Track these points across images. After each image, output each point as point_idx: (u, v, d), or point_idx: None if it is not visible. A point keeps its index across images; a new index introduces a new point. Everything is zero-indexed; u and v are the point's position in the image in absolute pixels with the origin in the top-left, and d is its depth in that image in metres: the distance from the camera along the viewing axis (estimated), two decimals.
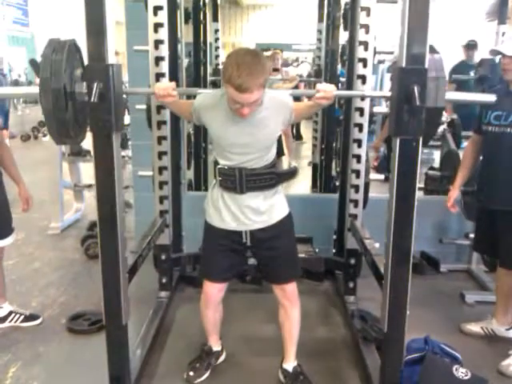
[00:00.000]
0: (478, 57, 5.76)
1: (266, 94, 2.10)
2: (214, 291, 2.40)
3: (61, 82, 1.85)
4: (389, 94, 1.93)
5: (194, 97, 2.32)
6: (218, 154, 2.27)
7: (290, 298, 2.38)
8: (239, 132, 2.15)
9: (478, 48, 5.84)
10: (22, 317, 2.94)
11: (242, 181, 2.20)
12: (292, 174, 2.36)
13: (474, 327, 2.90)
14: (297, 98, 7.45)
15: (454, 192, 2.98)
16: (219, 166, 2.25)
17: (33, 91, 1.95)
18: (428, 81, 1.82)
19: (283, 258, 2.36)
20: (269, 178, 2.24)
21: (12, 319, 2.92)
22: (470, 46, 5.77)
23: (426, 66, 1.81)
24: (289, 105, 2.20)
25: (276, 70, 6.47)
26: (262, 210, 2.26)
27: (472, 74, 5.44)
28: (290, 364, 2.48)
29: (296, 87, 6.02)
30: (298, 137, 8.52)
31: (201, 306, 2.47)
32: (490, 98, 2.19)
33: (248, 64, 1.93)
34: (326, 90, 2.06)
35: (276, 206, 2.30)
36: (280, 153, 4.48)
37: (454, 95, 1.91)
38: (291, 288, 2.38)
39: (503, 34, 4.30)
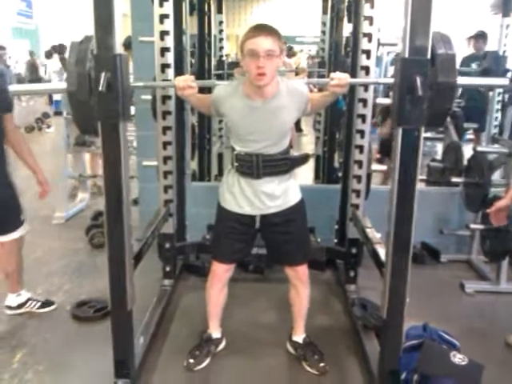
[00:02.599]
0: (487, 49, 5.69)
1: (282, 81, 2.24)
2: (221, 270, 2.48)
3: (85, 67, 1.89)
4: None
5: (209, 91, 2.38)
6: (234, 142, 2.35)
7: (301, 278, 2.51)
8: (256, 119, 2.23)
9: (488, 39, 5.63)
10: (39, 303, 3.00)
11: (258, 166, 2.29)
12: (304, 159, 2.46)
13: None
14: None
15: (503, 201, 2.59)
16: (236, 152, 2.33)
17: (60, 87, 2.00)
18: (437, 57, 1.83)
19: (296, 242, 2.45)
20: (283, 163, 2.34)
21: (29, 306, 2.97)
22: (479, 37, 5.60)
23: (429, 56, 1.83)
24: (304, 93, 2.28)
25: None
26: (276, 195, 2.35)
27: (474, 65, 5.35)
28: (299, 336, 2.62)
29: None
30: (298, 129, 8.55)
31: (207, 285, 2.54)
32: (503, 81, 2.17)
33: (262, 24, 2.15)
34: (341, 78, 2.12)
35: (290, 191, 2.39)
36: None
37: (464, 80, 1.92)
38: (303, 269, 2.50)
39: (507, 26, 4.30)
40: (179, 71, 3.09)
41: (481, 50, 5.61)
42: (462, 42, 5.98)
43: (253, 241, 2.52)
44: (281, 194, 2.36)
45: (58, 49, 10.61)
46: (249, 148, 2.30)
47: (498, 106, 4.23)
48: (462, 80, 1.90)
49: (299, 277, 2.50)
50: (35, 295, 3.07)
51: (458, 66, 5.47)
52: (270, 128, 2.26)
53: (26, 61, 12.08)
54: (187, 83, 2.17)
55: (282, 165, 2.34)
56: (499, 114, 4.27)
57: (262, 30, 2.12)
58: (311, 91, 2.47)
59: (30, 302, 2.98)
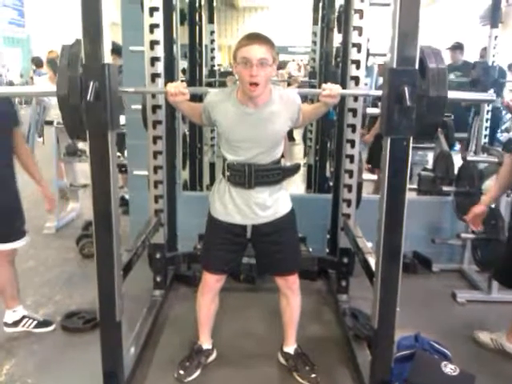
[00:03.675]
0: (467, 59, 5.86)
1: (275, 89, 2.25)
2: (212, 280, 2.47)
3: (77, 71, 1.88)
4: None
5: (201, 99, 2.38)
6: (226, 150, 2.33)
7: (291, 287, 2.49)
8: (248, 126, 2.23)
9: (464, 49, 5.93)
10: (35, 322, 2.90)
11: (250, 176, 2.28)
12: (296, 169, 2.46)
13: (484, 337, 2.82)
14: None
15: (480, 207, 2.77)
16: (228, 162, 2.31)
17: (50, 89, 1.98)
18: (429, 72, 1.85)
19: (287, 251, 2.44)
20: (275, 173, 2.33)
21: (25, 324, 2.87)
22: (456, 48, 5.86)
23: (417, 67, 1.84)
24: (297, 102, 2.29)
25: None
26: (267, 205, 2.35)
27: (452, 75, 5.51)
28: (291, 347, 2.60)
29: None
30: (290, 138, 8.58)
31: (198, 294, 2.52)
32: (490, 96, 2.21)
33: (256, 33, 2.16)
34: (332, 88, 2.15)
35: (280, 201, 2.39)
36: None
37: (454, 94, 1.95)
38: (293, 278, 2.48)
39: (495, 37, 4.35)
40: (169, 81, 3.08)
41: (458, 61, 5.84)
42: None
43: (243, 251, 2.51)
44: (272, 204, 2.35)
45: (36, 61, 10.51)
46: (240, 157, 2.28)
47: (488, 116, 4.24)
48: (451, 94, 1.91)
49: (289, 285, 2.48)
50: (33, 312, 2.99)
51: None
52: (262, 136, 2.25)
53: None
54: (179, 89, 2.16)
55: (273, 175, 2.32)
56: (488, 123, 4.29)
57: (255, 38, 2.12)
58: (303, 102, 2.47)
59: (25, 319, 2.88)
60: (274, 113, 2.23)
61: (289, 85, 6.95)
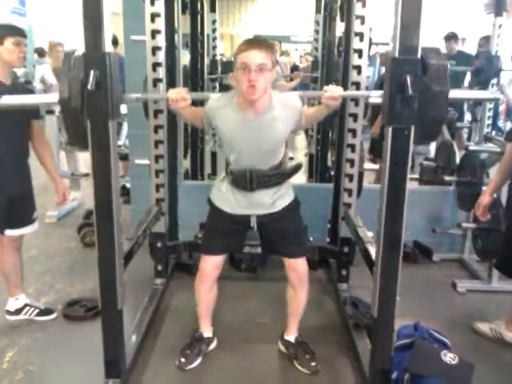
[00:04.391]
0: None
1: (275, 94, 2.24)
2: (209, 268, 2.46)
3: (78, 72, 1.90)
4: None
5: (202, 104, 2.39)
6: (228, 155, 2.36)
7: (302, 279, 2.48)
8: (250, 133, 2.24)
9: (458, 39, 5.96)
10: (37, 310, 2.92)
11: (252, 181, 2.33)
12: (297, 170, 2.48)
13: (483, 326, 2.84)
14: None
15: (485, 198, 2.78)
16: (231, 168, 2.36)
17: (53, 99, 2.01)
18: (430, 68, 1.86)
19: (293, 234, 2.48)
20: (277, 177, 2.37)
21: (27, 312, 2.89)
22: (450, 38, 5.88)
23: (419, 56, 1.83)
24: (298, 107, 2.29)
25: None
26: (270, 202, 2.39)
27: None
28: (292, 335, 2.61)
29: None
30: None
31: (195, 283, 2.53)
32: (492, 94, 2.21)
33: (255, 38, 2.22)
34: (334, 90, 2.13)
35: (283, 195, 2.43)
36: None
37: (456, 93, 1.96)
38: (303, 268, 2.47)
39: (500, 26, 4.31)
40: (171, 70, 3.08)
41: (453, 50, 5.86)
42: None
43: (244, 238, 2.55)
44: (274, 200, 2.40)
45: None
46: (242, 162, 2.31)
47: (491, 106, 4.23)
48: (453, 93, 1.92)
49: (300, 278, 2.47)
50: (35, 301, 3.01)
51: None
52: (263, 142, 2.27)
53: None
54: (181, 95, 2.16)
55: (275, 179, 2.37)
56: (491, 113, 4.27)
57: (254, 43, 2.13)
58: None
59: (27, 308, 2.90)
60: (275, 119, 2.24)
61: (291, 79, 6.90)
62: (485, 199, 2.77)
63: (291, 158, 5.45)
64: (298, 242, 2.50)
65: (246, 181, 2.33)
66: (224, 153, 2.41)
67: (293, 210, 2.48)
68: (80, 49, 1.89)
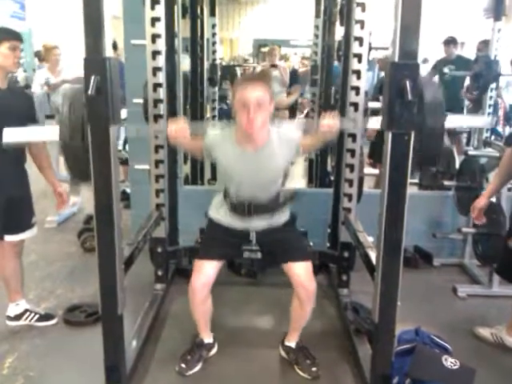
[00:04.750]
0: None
1: (273, 128, 2.30)
2: (199, 284, 2.41)
3: (79, 114, 1.97)
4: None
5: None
6: (227, 184, 2.42)
7: (310, 296, 2.41)
8: (248, 167, 2.30)
9: (457, 43, 6.09)
10: (37, 316, 2.91)
11: (250, 211, 2.40)
12: (292, 198, 2.52)
13: (484, 331, 2.83)
14: (291, 106, 7.49)
15: (481, 200, 2.75)
16: (229, 199, 2.41)
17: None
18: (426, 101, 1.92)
19: (293, 241, 2.49)
20: (274, 206, 2.44)
21: (27, 318, 2.88)
22: (450, 42, 5.96)
23: (419, 61, 1.84)
24: (296, 140, 2.34)
25: (274, 65, 6.49)
26: (267, 224, 2.46)
27: (446, 69, 5.72)
28: (292, 342, 2.60)
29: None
30: None
31: (189, 296, 2.48)
32: (485, 121, 2.26)
33: (253, 74, 2.17)
34: (330, 125, 2.17)
35: (279, 217, 2.49)
36: None
37: (452, 119, 2.01)
38: (312, 285, 2.41)
39: (499, 30, 4.32)
40: (170, 74, 3.08)
41: (452, 55, 5.99)
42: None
43: (240, 250, 2.58)
44: (271, 222, 2.46)
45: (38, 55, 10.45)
46: (241, 192, 2.37)
47: (490, 110, 4.23)
48: (449, 121, 1.99)
49: (309, 295, 2.40)
50: (35, 306, 3.00)
51: (430, 69, 5.59)
52: (263, 175, 2.34)
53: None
54: (181, 132, 2.20)
55: (272, 207, 2.43)
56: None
57: (252, 80, 2.20)
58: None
59: (27, 313, 2.88)
60: (274, 153, 2.30)
61: (289, 94, 6.90)
62: (481, 202, 2.76)
63: (291, 164, 5.45)
64: (298, 247, 2.50)
65: (244, 210, 2.39)
66: (223, 181, 2.46)
67: (290, 224, 2.54)
68: (80, 53, 1.89)
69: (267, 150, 2.29)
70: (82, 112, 1.95)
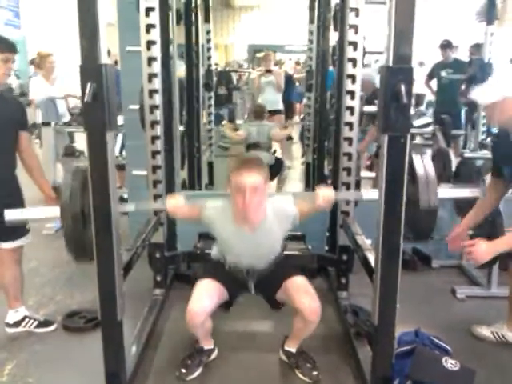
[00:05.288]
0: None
1: (269, 204, 2.37)
2: (198, 312, 2.38)
3: (78, 204, 2.12)
4: None
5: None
6: (226, 253, 2.51)
7: (314, 319, 2.39)
8: (246, 244, 2.41)
9: (453, 47, 6.19)
10: (36, 322, 2.91)
11: (248, 275, 2.49)
12: (287, 258, 2.61)
13: (485, 331, 2.84)
14: (289, 103, 7.49)
15: (458, 228, 2.70)
16: (228, 265, 2.50)
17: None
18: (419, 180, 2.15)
19: (282, 267, 2.52)
20: (273, 264, 2.51)
21: (26, 324, 2.88)
22: (446, 46, 6.04)
23: (413, 65, 1.85)
24: (291, 214, 2.43)
25: (269, 71, 6.52)
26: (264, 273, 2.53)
27: (444, 73, 5.89)
28: (293, 348, 2.60)
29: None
30: (288, 137, 8.56)
31: (187, 324, 2.44)
32: (476, 193, 2.62)
33: (248, 156, 2.41)
34: (325, 196, 2.27)
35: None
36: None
37: (445, 192, 2.07)
38: (317, 309, 2.39)
39: (491, 34, 4.36)
40: (166, 82, 3.09)
41: (449, 58, 6.07)
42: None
43: (239, 292, 2.61)
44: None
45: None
46: (240, 263, 2.47)
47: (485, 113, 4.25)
48: (441, 193, 2.21)
49: (313, 319, 2.39)
50: (34, 313, 2.99)
51: (429, 72, 5.61)
52: (261, 249, 2.45)
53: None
54: (179, 208, 2.36)
55: (270, 266, 2.51)
56: (485, 120, 4.30)
57: (245, 164, 2.27)
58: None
59: (26, 320, 2.89)
60: (271, 230, 2.40)
61: (285, 128, 6.93)
62: (458, 230, 2.70)
63: (288, 168, 5.48)
64: (290, 266, 2.58)
65: (243, 275, 2.49)
66: (221, 248, 2.53)
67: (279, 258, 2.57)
68: (76, 60, 1.90)
69: (264, 228, 2.38)
70: (83, 201, 2.11)
